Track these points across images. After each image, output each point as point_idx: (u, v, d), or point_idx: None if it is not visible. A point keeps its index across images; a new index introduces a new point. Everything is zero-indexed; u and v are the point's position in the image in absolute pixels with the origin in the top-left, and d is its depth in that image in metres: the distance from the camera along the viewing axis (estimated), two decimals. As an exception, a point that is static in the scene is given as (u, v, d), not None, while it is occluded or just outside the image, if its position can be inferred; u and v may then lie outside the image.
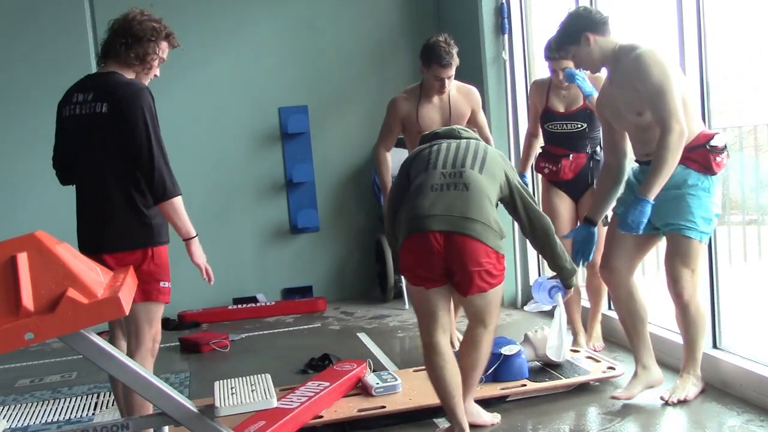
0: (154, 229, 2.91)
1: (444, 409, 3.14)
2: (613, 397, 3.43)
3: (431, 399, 3.42)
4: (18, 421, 3.85)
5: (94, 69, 5.71)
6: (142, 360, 2.86)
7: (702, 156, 3.14)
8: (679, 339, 3.48)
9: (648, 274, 4.94)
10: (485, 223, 2.93)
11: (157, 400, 2.52)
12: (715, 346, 3.63)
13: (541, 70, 4.97)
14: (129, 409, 2.95)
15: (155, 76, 3.07)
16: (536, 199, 3.62)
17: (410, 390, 3.58)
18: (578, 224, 3.75)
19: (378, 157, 4.31)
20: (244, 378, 2.86)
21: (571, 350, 3.93)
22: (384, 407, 3.42)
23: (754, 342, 3.70)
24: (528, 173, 4.46)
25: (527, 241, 3.44)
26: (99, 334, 2.49)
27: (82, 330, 2.34)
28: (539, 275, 3.32)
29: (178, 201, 2.89)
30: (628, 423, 3.25)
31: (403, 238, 3.04)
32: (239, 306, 6.03)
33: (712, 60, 3.58)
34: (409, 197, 3.08)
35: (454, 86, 4.14)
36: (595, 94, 3.73)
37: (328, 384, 3.51)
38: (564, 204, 4.15)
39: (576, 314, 4.23)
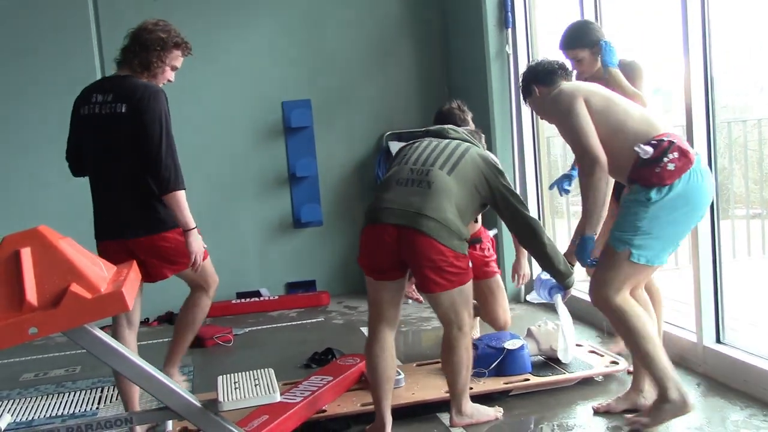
0: (167, 217, 3.20)
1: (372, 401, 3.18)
2: (595, 409, 3.31)
3: (434, 393, 3.43)
4: (22, 415, 3.87)
5: (97, 67, 5.76)
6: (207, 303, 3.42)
7: (640, 172, 2.91)
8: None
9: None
10: (440, 222, 2.96)
11: (161, 394, 2.53)
12: (718, 340, 3.62)
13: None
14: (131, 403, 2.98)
15: (169, 81, 3.34)
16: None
17: (413, 384, 3.59)
18: None
19: None
20: (247, 372, 2.86)
21: (575, 345, 3.93)
22: (387, 401, 3.42)
23: (757, 337, 3.70)
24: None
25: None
26: (102, 328, 2.50)
27: (86, 325, 2.34)
28: (542, 271, 3.29)
29: (180, 195, 3.14)
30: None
31: (361, 228, 3.14)
32: (242, 300, 6.04)
33: (715, 54, 3.57)
34: (377, 188, 3.20)
35: None
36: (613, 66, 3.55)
37: (331, 378, 3.52)
38: None
39: None
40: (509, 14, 5.40)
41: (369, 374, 3.17)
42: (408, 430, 3.28)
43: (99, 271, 2.39)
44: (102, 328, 2.48)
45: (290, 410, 3.17)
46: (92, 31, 5.80)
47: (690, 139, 3.58)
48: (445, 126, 3.39)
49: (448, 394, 3.45)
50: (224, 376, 2.79)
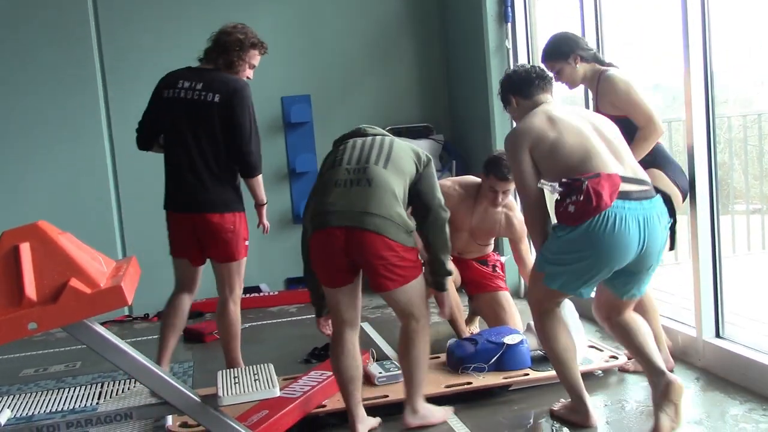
0: (241, 198, 3.75)
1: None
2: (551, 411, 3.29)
3: (434, 388, 3.43)
4: (22, 410, 3.87)
5: (97, 63, 5.72)
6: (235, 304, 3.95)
7: (555, 206, 2.92)
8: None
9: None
10: (386, 217, 2.95)
11: (160, 389, 2.54)
12: (718, 335, 3.63)
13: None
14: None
15: (248, 78, 3.73)
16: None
17: (413, 379, 3.58)
18: None
19: None
20: (247, 367, 2.87)
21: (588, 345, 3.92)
22: (387, 396, 3.43)
23: (757, 331, 3.70)
24: None
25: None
26: (102, 323, 2.50)
27: (86, 320, 2.35)
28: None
29: (260, 177, 3.78)
30: (631, 412, 3.26)
31: (309, 235, 3.10)
32: (243, 296, 6.02)
33: (714, 51, 3.56)
34: (315, 193, 3.14)
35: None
36: None
37: (330, 373, 3.52)
38: None
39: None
40: (509, 9, 5.39)
41: (335, 377, 3.17)
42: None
43: (98, 266, 2.39)
44: (102, 324, 2.48)
45: (290, 405, 3.18)
46: (92, 31, 5.79)
47: (690, 134, 3.58)
48: (361, 126, 3.35)
49: (447, 389, 3.46)
50: (224, 371, 2.80)
